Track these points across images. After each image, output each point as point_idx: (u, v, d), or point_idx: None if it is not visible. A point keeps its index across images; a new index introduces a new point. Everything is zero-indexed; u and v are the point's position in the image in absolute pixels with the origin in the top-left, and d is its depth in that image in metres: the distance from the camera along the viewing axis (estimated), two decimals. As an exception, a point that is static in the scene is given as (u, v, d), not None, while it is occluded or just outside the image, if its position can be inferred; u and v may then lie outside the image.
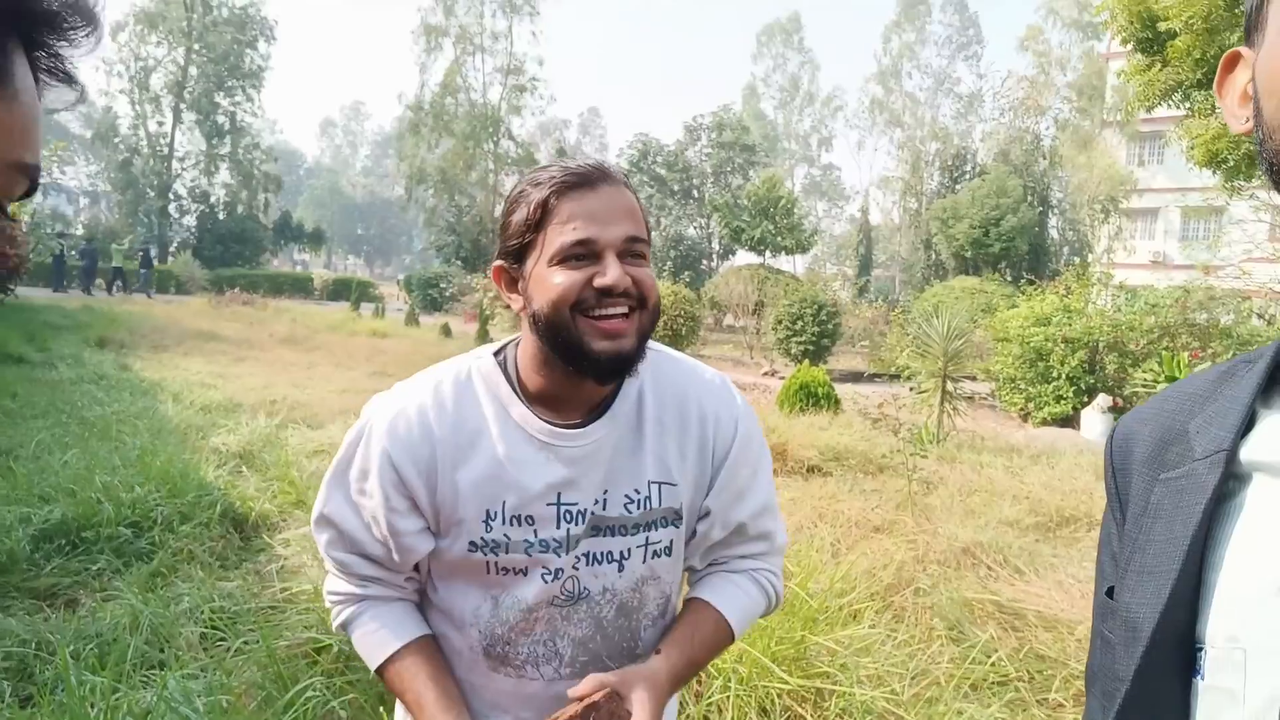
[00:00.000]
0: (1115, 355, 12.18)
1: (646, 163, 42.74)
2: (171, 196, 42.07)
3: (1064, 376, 12.25)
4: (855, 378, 17.19)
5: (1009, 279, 30.11)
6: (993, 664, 3.24)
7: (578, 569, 1.20)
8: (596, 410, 1.20)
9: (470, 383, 1.20)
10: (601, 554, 1.20)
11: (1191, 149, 12.37)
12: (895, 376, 12.41)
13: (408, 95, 44.31)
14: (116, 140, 41.29)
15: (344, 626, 1.27)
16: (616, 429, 1.20)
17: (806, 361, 13.45)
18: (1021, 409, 12.97)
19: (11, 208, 0.50)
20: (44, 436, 5.96)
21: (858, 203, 57.55)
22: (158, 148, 41.48)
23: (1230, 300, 12.82)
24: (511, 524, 1.16)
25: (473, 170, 42.23)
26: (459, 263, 37.90)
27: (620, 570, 1.22)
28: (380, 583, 1.24)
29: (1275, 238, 15.89)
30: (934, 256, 38.43)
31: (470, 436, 1.17)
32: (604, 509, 1.19)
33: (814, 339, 18.22)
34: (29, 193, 0.50)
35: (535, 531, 1.17)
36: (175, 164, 42.41)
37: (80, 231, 36.68)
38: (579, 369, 1.12)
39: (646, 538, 1.22)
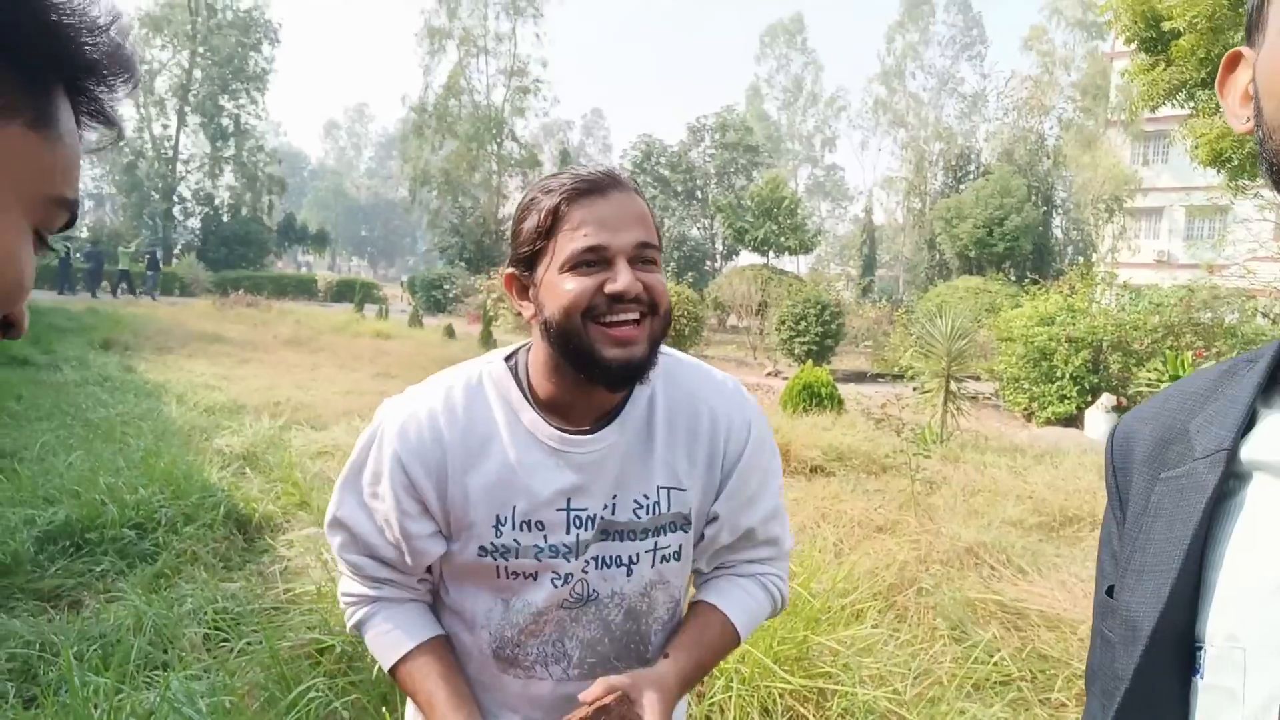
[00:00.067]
0: (1119, 355, 12.15)
1: (650, 164, 42.74)
2: (176, 199, 42.16)
3: (1068, 376, 12.23)
4: (859, 378, 17.17)
5: (1013, 279, 30.06)
6: (995, 664, 3.24)
7: (587, 573, 1.20)
8: (607, 416, 1.20)
9: (481, 387, 1.20)
10: (610, 558, 1.21)
11: (1196, 148, 12.36)
12: (899, 376, 12.39)
13: (411, 97, 44.45)
14: (121, 143, 41.32)
15: (358, 627, 1.27)
16: (626, 435, 1.20)
17: (810, 362, 13.45)
18: (1025, 409, 12.95)
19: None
20: (49, 438, 5.97)
21: (861, 203, 57.47)
22: (162, 150, 41.57)
23: (1235, 299, 12.78)
24: (521, 529, 1.17)
25: (476, 172, 42.26)
26: (463, 264, 37.91)
27: (629, 575, 1.22)
28: (393, 584, 1.24)
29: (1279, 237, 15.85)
30: (938, 256, 38.36)
31: (481, 441, 1.17)
32: (613, 514, 1.20)
33: (817, 339, 18.21)
34: (68, 225, 0.55)
35: (545, 537, 1.17)
36: (180, 166, 42.50)
37: (85, 234, 36.78)
38: (590, 376, 1.12)
39: (655, 543, 1.22)
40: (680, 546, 1.25)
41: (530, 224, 1.13)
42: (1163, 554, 0.66)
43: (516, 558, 1.18)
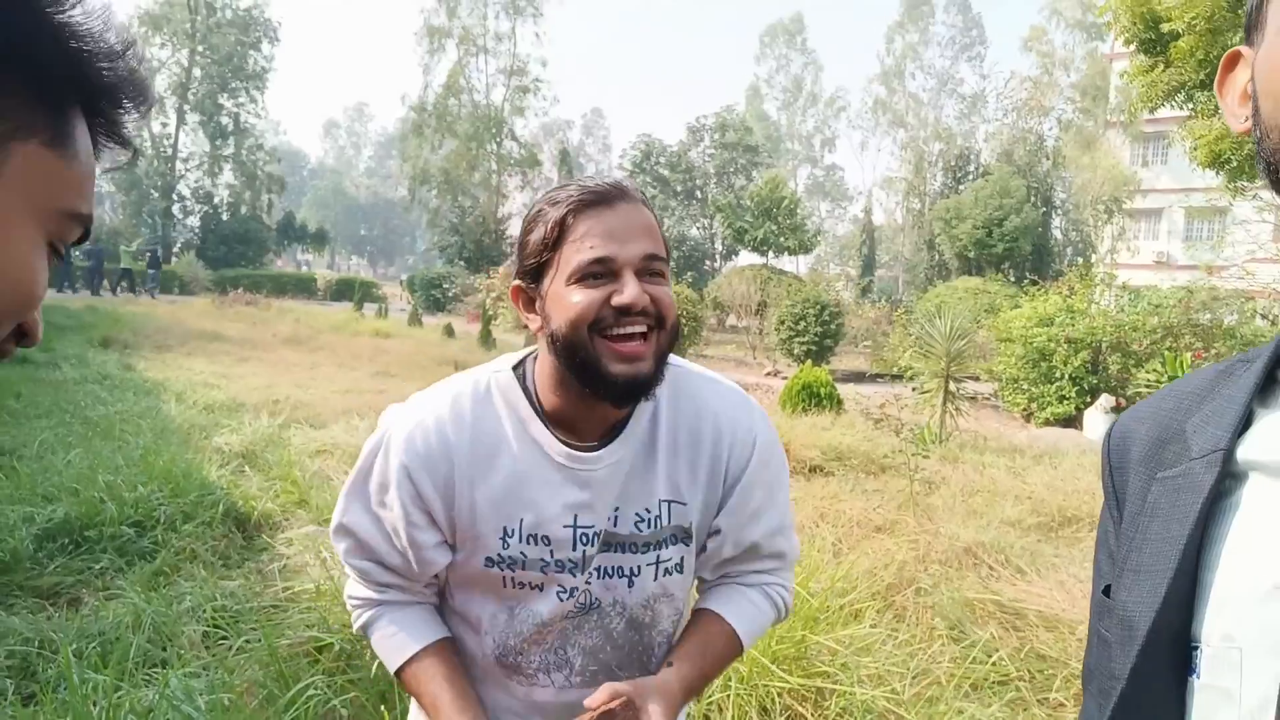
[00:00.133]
0: (1118, 355, 12.17)
1: (649, 163, 42.74)
2: (175, 197, 42.13)
3: (1067, 377, 12.24)
4: (858, 378, 17.18)
5: (1012, 279, 30.07)
6: (994, 663, 3.24)
7: (590, 583, 1.21)
8: (612, 430, 1.19)
9: (489, 397, 1.19)
10: (613, 568, 1.21)
11: (1195, 150, 12.37)
12: (898, 377, 12.40)
13: (411, 96, 44.41)
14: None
15: (364, 630, 1.28)
16: (631, 450, 1.20)
17: (809, 362, 13.46)
18: (1024, 409, 12.96)
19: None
20: (48, 436, 5.97)
21: (861, 203, 57.51)
22: (162, 149, 41.53)
23: (1234, 301, 12.80)
24: (528, 542, 1.17)
25: (476, 171, 42.26)
26: (462, 263, 37.90)
27: (630, 586, 1.22)
28: (399, 589, 1.25)
29: (1279, 238, 15.85)
30: (937, 257, 38.36)
31: (488, 451, 1.17)
32: (615, 525, 1.20)
33: (817, 339, 18.21)
34: (82, 239, 0.58)
35: (551, 552, 1.17)
36: (179, 165, 42.47)
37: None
38: (595, 391, 1.11)
39: (657, 555, 1.22)
40: (682, 559, 1.25)
41: (537, 235, 1.12)
42: (1159, 554, 0.66)
43: (523, 569, 1.18)
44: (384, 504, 1.18)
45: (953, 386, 9.08)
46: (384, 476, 1.18)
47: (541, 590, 1.19)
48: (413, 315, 23.27)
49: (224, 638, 3.10)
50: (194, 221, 43.09)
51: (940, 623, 3.64)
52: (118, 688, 2.57)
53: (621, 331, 1.08)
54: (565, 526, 1.17)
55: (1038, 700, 3.08)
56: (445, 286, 32.86)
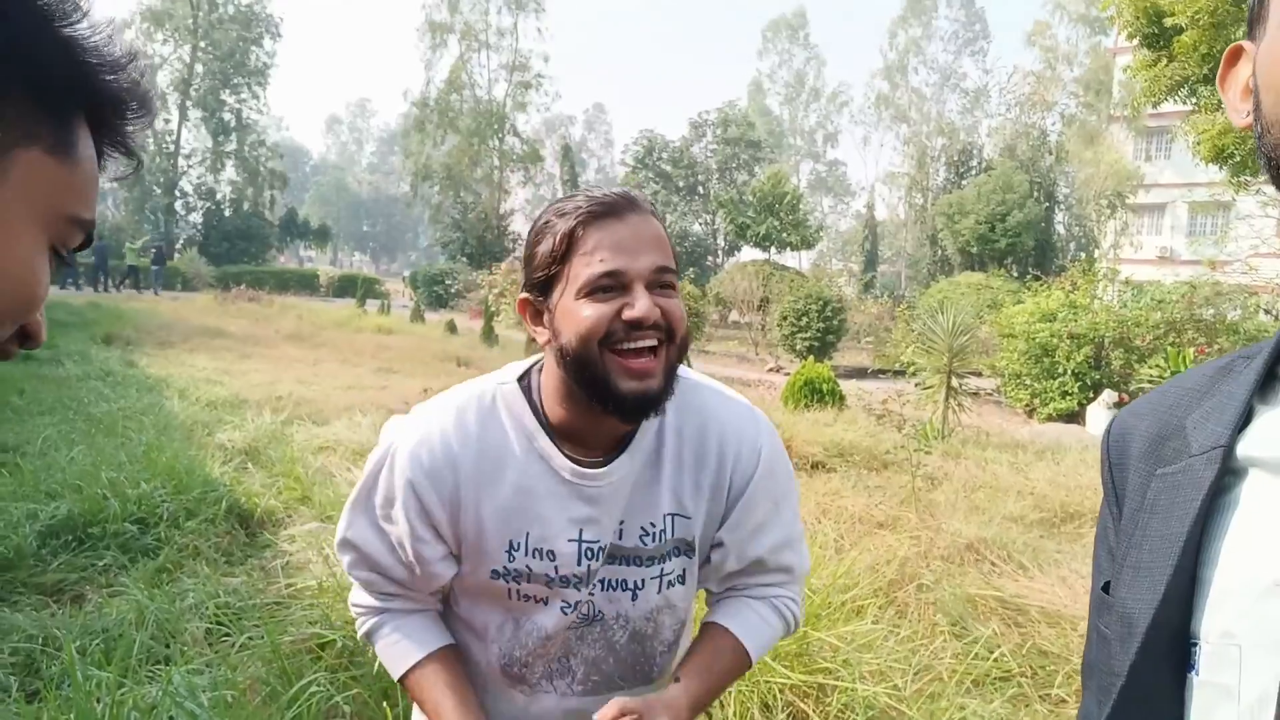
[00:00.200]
0: (1121, 351, 12.16)
1: (652, 159, 42.72)
2: (178, 194, 42.18)
3: (1069, 372, 12.24)
4: (860, 374, 17.18)
5: (1015, 275, 30.05)
6: (995, 659, 3.24)
7: (593, 596, 1.21)
8: (618, 444, 1.19)
9: (495, 409, 1.18)
10: (616, 581, 1.21)
11: (1198, 144, 12.34)
12: (900, 373, 12.41)
13: (413, 92, 44.65)
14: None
15: (368, 637, 1.28)
16: (636, 465, 1.19)
17: (811, 358, 13.46)
18: (1027, 405, 12.95)
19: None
20: (50, 433, 5.98)
21: (863, 198, 57.49)
22: (164, 145, 41.56)
23: (1237, 296, 12.79)
24: (534, 556, 1.17)
25: (478, 167, 42.28)
26: (464, 259, 37.92)
27: (634, 599, 1.22)
28: (403, 598, 1.25)
29: (1282, 233, 15.82)
30: (940, 252, 38.32)
31: (494, 465, 1.16)
32: (619, 539, 1.20)
33: (819, 335, 18.20)
34: (84, 245, 0.59)
35: (556, 568, 1.17)
36: (181, 161, 42.53)
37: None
38: (604, 407, 1.10)
39: (661, 569, 1.22)
40: (684, 571, 1.25)
41: (545, 248, 1.11)
42: (1158, 551, 0.66)
43: (529, 582, 1.18)
44: (389, 518, 1.18)
45: (955, 382, 9.08)
46: (389, 491, 1.17)
47: (546, 604, 1.20)
48: (415, 311, 23.29)
49: (227, 634, 3.10)
50: (196, 218, 43.16)
51: (942, 619, 3.64)
52: (121, 685, 2.58)
53: (632, 346, 1.07)
54: (570, 541, 1.17)
55: (1040, 696, 3.08)
56: (448, 283, 32.88)
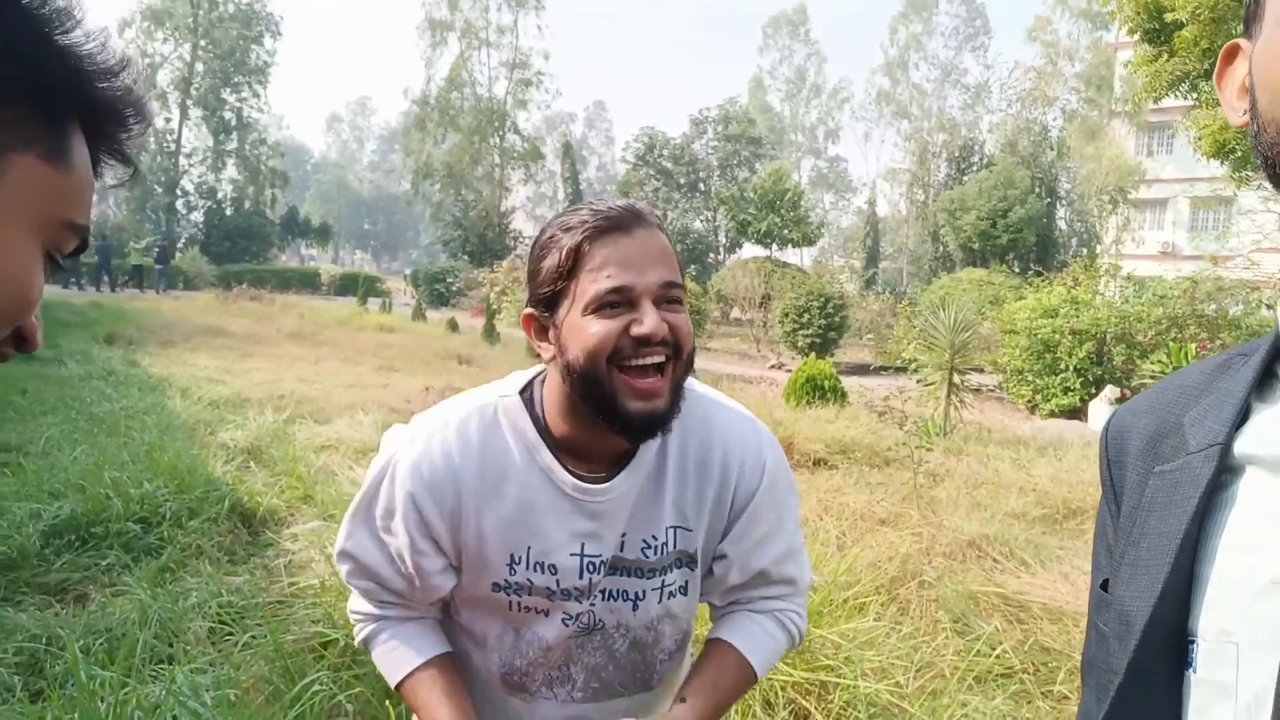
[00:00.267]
0: (1123, 347, 12.14)
1: (652, 156, 42.69)
2: (179, 193, 42.19)
3: (1071, 368, 12.22)
4: (862, 371, 17.16)
5: (1016, 271, 30.00)
6: (997, 656, 3.24)
7: (594, 606, 1.21)
8: (621, 459, 1.18)
9: (497, 421, 1.18)
10: (617, 592, 1.21)
11: (1199, 139, 12.31)
12: (902, 369, 12.39)
13: (413, 90, 44.61)
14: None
15: (365, 644, 1.28)
16: (639, 479, 1.19)
17: (813, 354, 13.45)
18: (1029, 401, 12.94)
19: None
20: (53, 433, 5.99)
21: (865, 195, 57.41)
22: (165, 144, 41.55)
23: (1239, 291, 12.76)
24: (535, 569, 1.17)
25: (479, 165, 42.25)
26: (465, 257, 37.92)
27: (635, 609, 1.22)
28: (402, 606, 1.25)
29: (1284, 228, 15.79)
30: (941, 248, 38.28)
31: (496, 480, 1.16)
32: (621, 550, 1.20)
33: (820, 332, 18.20)
34: (79, 250, 0.60)
35: (558, 581, 1.17)
36: (182, 160, 42.52)
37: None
38: (610, 426, 1.09)
39: (662, 580, 1.22)
40: (686, 582, 1.25)
41: (550, 263, 1.09)
42: (1156, 549, 0.66)
43: (530, 595, 1.18)
44: (390, 530, 1.18)
45: (957, 379, 9.07)
46: (390, 503, 1.17)
47: (547, 615, 1.20)
48: (416, 310, 23.29)
49: (230, 634, 3.11)
50: (198, 217, 43.17)
51: (944, 616, 3.64)
52: (124, 684, 2.58)
53: (640, 363, 1.06)
54: (572, 555, 1.16)
55: (1041, 693, 3.08)
56: (449, 281, 32.88)
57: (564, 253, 1.07)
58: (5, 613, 3.19)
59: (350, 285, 35.32)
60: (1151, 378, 10.66)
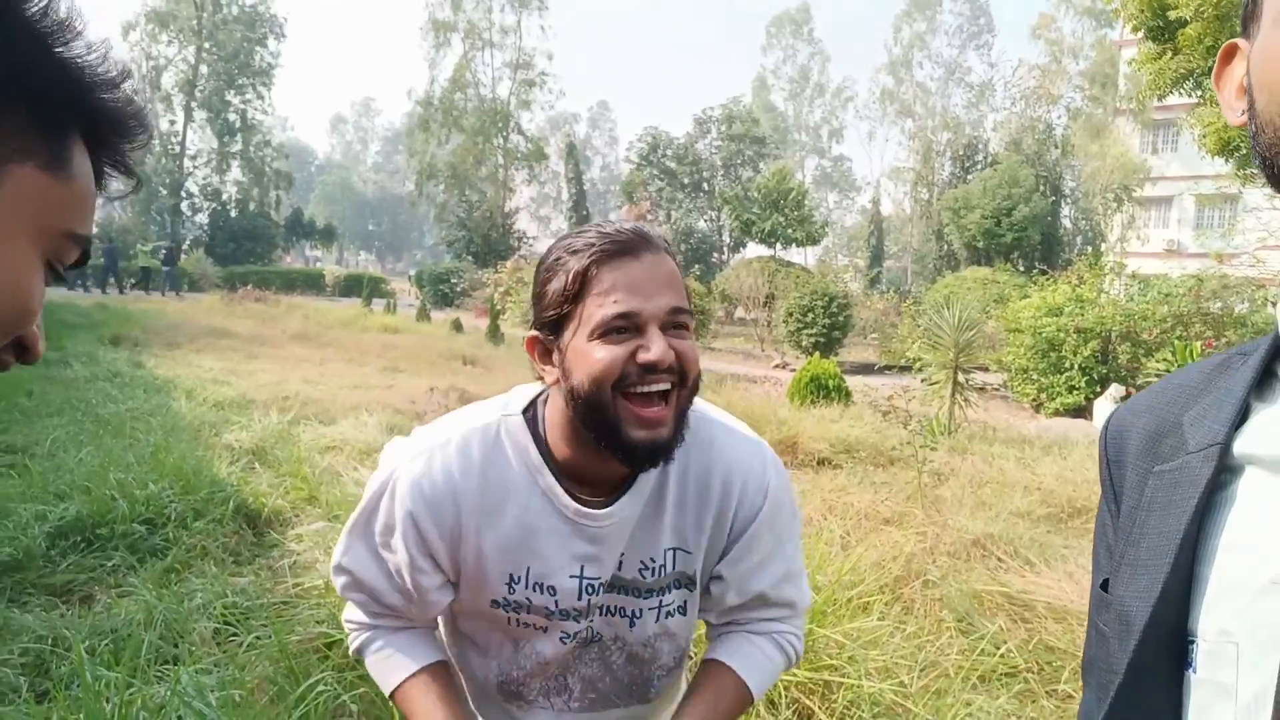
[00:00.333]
0: (1128, 345, 12.12)
1: (656, 156, 42.72)
2: (184, 194, 42.32)
3: (1076, 367, 12.20)
4: (866, 370, 17.14)
5: (1021, 269, 29.96)
6: (1002, 655, 3.23)
7: (592, 620, 1.21)
8: (622, 483, 1.18)
9: (499, 441, 1.17)
10: (615, 608, 1.21)
11: (1204, 137, 12.27)
12: (906, 368, 12.37)
13: (417, 91, 44.57)
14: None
15: (359, 652, 1.28)
16: (639, 502, 1.18)
17: (817, 354, 13.44)
18: (1034, 399, 12.92)
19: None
20: (59, 434, 6.00)
21: (869, 194, 57.42)
22: (170, 146, 41.66)
23: (1244, 289, 12.71)
24: (534, 589, 1.17)
25: (483, 165, 42.31)
26: (470, 258, 37.98)
27: (632, 626, 1.23)
28: (395, 616, 1.25)
29: (1290, 225, 15.73)
30: (946, 247, 38.25)
31: (497, 501, 1.15)
32: (619, 570, 1.20)
33: (825, 331, 18.19)
34: (81, 261, 0.60)
35: (556, 602, 1.17)
36: (187, 162, 42.63)
37: (95, 231, 36.92)
38: (613, 453, 1.08)
39: (660, 601, 1.22)
40: (685, 602, 1.25)
41: (556, 286, 1.08)
42: (1156, 548, 0.66)
43: (529, 613, 1.18)
44: (389, 547, 1.18)
45: (961, 377, 9.06)
46: (389, 519, 1.17)
47: (545, 632, 1.20)
48: (421, 310, 23.32)
49: (235, 634, 3.11)
50: (202, 219, 43.30)
51: (948, 615, 3.63)
52: (130, 685, 2.59)
53: (645, 390, 1.05)
54: (571, 577, 1.17)
55: (1046, 692, 3.07)
56: (453, 281, 32.94)
57: (570, 276, 1.06)
58: (11, 614, 3.20)
59: (355, 286, 35.38)
60: (1156, 376, 10.62)
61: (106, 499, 4.26)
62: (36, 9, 0.51)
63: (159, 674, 2.81)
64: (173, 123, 41.86)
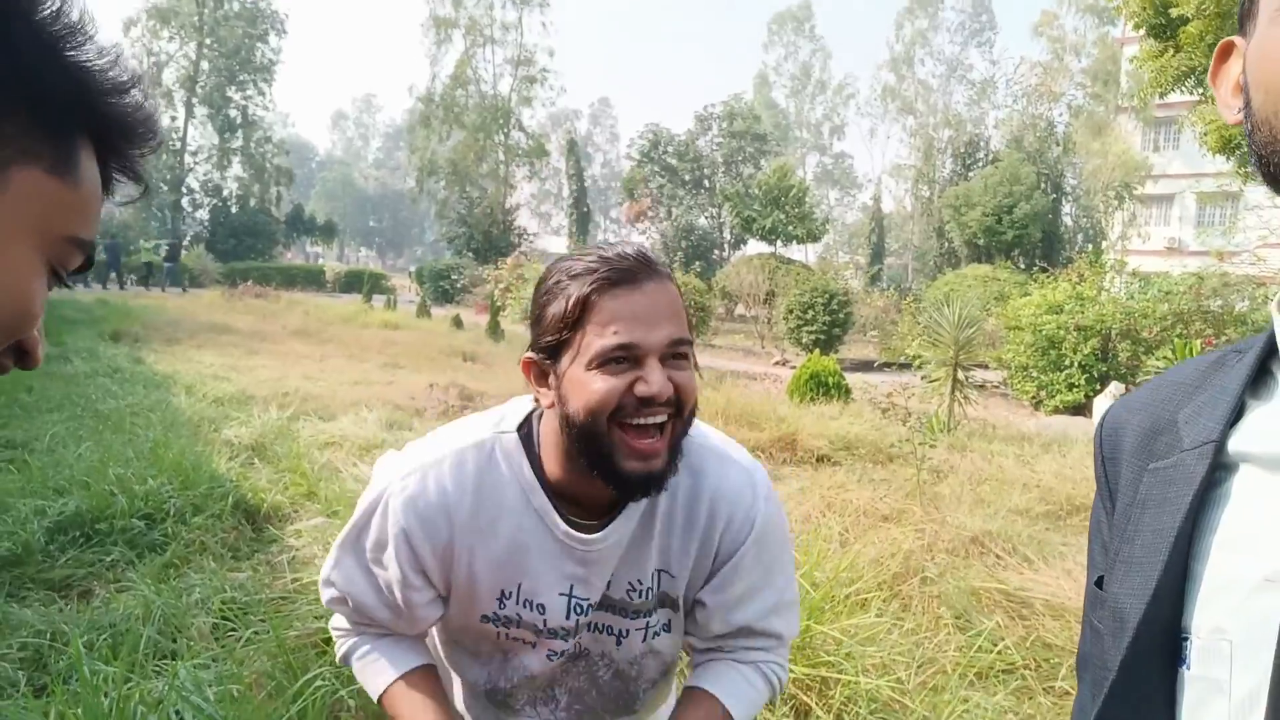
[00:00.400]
0: (1128, 343, 12.11)
1: (657, 153, 42.67)
2: (184, 190, 42.32)
3: (1076, 364, 12.20)
4: (866, 367, 17.12)
5: (1022, 267, 29.96)
6: (999, 652, 3.24)
7: (579, 637, 1.22)
8: (614, 507, 1.17)
9: (494, 459, 1.16)
10: (603, 626, 1.22)
11: (1205, 135, 12.28)
12: (906, 366, 12.37)
13: (418, 87, 44.67)
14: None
15: (345, 658, 1.28)
16: (629, 526, 1.18)
17: (817, 351, 13.44)
18: (1033, 397, 12.92)
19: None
20: (59, 429, 6.00)
21: (870, 191, 57.37)
22: (170, 142, 41.61)
23: (1245, 287, 12.70)
24: (524, 606, 1.18)
25: (484, 162, 42.26)
26: (470, 254, 37.96)
27: (619, 645, 1.23)
28: (382, 625, 1.26)
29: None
30: (946, 244, 38.24)
31: (490, 519, 1.15)
32: (607, 589, 1.20)
33: (825, 328, 18.18)
34: (84, 267, 0.60)
35: (545, 620, 1.18)
36: (188, 158, 42.63)
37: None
38: (605, 481, 1.08)
39: (646, 622, 1.23)
40: (670, 621, 1.25)
41: (555, 310, 1.06)
42: (1150, 546, 0.66)
43: (518, 628, 1.19)
44: (380, 563, 1.18)
45: (961, 375, 9.05)
46: (381, 535, 1.16)
47: (534, 647, 1.21)
48: (421, 307, 23.32)
49: (233, 629, 3.12)
50: (203, 214, 43.32)
51: (946, 612, 3.63)
52: (128, 679, 2.59)
53: (641, 422, 1.04)
54: (561, 595, 1.17)
55: (1043, 689, 3.08)
56: (453, 278, 32.95)
57: (570, 302, 1.04)
58: (10, 608, 3.20)
59: (355, 282, 35.39)
60: (1156, 374, 10.62)
61: (106, 494, 4.26)
62: (48, 12, 0.51)
63: (157, 669, 2.81)
64: (174, 119, 41.84)
